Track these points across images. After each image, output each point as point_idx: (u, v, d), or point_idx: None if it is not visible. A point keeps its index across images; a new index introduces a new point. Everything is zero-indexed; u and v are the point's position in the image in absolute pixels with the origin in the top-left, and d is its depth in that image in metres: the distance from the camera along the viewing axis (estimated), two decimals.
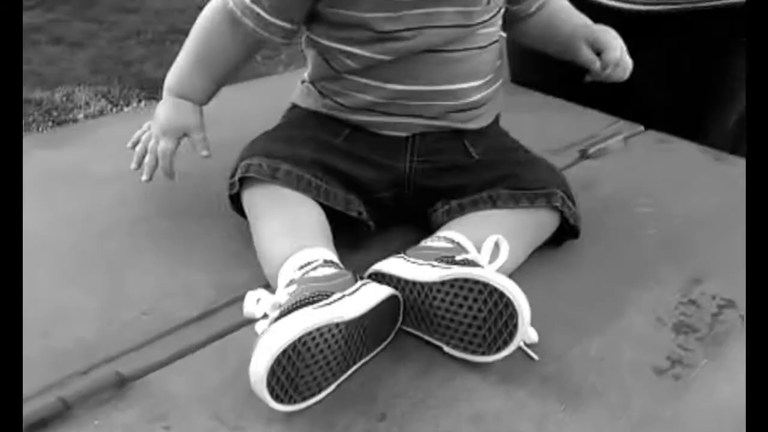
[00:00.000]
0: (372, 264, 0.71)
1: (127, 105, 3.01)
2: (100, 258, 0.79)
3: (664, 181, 0.99)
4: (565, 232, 0.80)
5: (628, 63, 0.87)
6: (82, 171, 0.96)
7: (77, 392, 0.59)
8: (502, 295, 0.60)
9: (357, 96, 0.80)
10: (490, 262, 0.69)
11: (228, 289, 0.74)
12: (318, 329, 0.57)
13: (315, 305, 0.59)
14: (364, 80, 0.79)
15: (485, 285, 0.61)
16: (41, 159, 0.98)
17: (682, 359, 0.66)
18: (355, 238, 0.79)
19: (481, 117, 0.84)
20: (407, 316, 0.67)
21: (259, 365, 0.55)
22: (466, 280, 0.62)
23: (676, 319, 0.72)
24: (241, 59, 0.83)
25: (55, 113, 2.92)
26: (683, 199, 0.94)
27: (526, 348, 0.65)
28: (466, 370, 0.64)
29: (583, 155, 1.05)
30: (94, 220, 0.85)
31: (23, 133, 1.33)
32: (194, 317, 0.71)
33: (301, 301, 0.60)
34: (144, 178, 0.83)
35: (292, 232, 0.71)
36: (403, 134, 0.81)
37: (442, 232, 0.73)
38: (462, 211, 0.77)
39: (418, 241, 0.75)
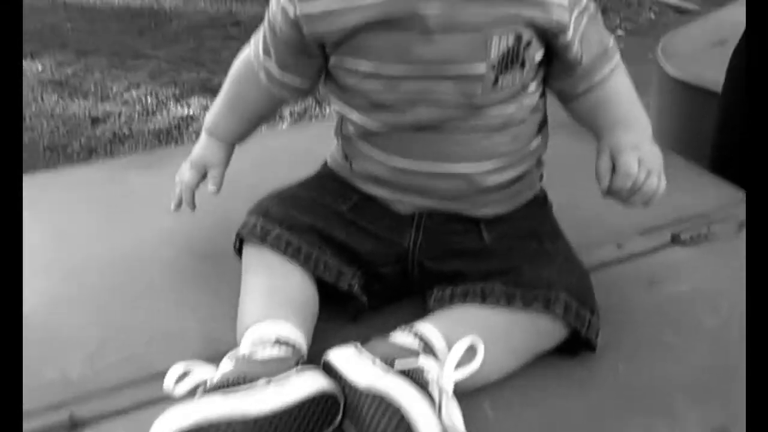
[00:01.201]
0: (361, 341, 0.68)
1: None
2: (102, 290, 0.83)
3: None
4: (581, 342, 0.69)
5: (649, 191, 0.72)
6: (147, 198, 1.02)
7: (29, 430, 0.64)
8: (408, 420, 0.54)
9: (363, 164, 0.76)
10: (459, 366, 0.62)
11: (217, 344, 0.75)
12: (213, 423, 0.55)
13: (228, 392, 0.58)
14: (368, 149, 0.75)
15: (396, 409, 0.55)
16: (121, 181, 1.06)
17: None
18: (357, 310, 0.76)
19: (496, 203, 0.75)
20: (347, 419, 0.62)
21: None
22: (383, 398, 0.57)
23: None
24: (266, 108, 0.83)
25: None
26: None
27: None
28: None
29: (675, 240, 0.89)
30: (114, 251, 0.90)
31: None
32: (164, 371, 0.73)
33: (218, 384, 0.59)
34: (172, 207, 0.87)
35: (265, 300, 0.70)
36: (409, 211, 0.75)
37: (417, 324, 0.68)
38: (450, 301, 0.70)
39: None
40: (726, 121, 1.12)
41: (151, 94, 3.42)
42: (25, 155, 2.89)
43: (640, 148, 0.72)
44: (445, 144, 0.72)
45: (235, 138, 0.86)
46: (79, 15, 4.62)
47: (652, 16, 4.41)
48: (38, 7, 4.70)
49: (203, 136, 0.87)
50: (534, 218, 0.78)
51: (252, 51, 0.80)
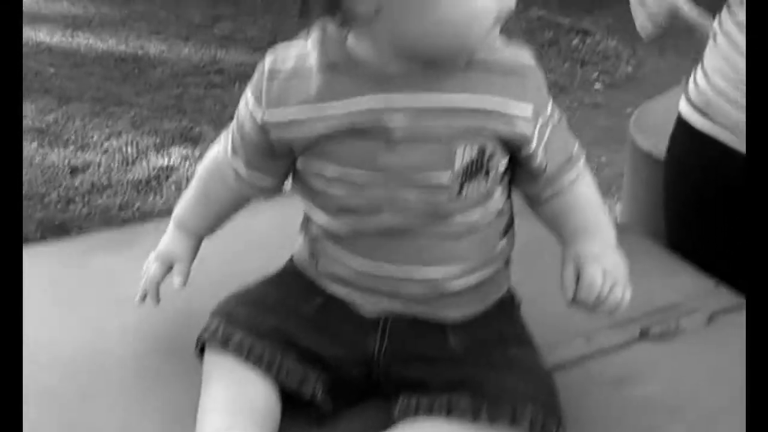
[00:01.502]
0: None
1: None
2: (60, 387, 0.80)
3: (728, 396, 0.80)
4: None
5: (614, 302, 0.72)
6: (108, 283, 0.99)
7: None
8: None
9: (329, 265, 0.76)
10: None
11: None
12: None
13: None
14: (334, 250, 0.75)
15: None
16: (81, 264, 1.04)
17: None
18: (321, 414, 0.75)
19: (463, 307, 0.75)
20: None
21: None
22: None
23: None
24: (234, 204, 0.83)
25: None
26: None
27: None
28: None
29: (644, 335, 0.89)
30: (73, 343, 0.87)
31: None
32: None
33: None
34: (136, 299, 0.85)
35: (227, 408, 0.69)
36: (374, 313, 0.75)
37: None
38: (416, 413, 0.69)
39: (386, 426, 0.69)
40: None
41: (131, 144, 3.41)
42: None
43: (603, 259, 0.73)
44: (411, 249, 0.72)
45: (203, 231, 0.85)
46: (63, 59, 4.63)
47: (630, 69, 4.49)
48: (23, 52, 4.71)
49: (171, 228, 0.86)
50: (501, 321, 0.78)
51: (221, 149, 0.80)
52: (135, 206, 2.92)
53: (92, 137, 3.50)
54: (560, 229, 0.76)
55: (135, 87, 4.16)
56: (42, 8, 5.77)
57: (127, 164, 3.27)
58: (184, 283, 0.84)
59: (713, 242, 1.04)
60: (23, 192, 2.95)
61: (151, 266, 0.85)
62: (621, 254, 0.75)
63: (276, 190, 0.79)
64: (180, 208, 0.86)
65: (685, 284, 0.98)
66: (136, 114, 3.76)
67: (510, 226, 0.79)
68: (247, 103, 0.72)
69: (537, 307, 0.84)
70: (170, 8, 5.65)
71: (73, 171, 3.20)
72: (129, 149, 3.39)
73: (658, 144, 1.40)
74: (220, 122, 3.68)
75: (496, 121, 0.68)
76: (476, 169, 0.69)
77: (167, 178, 3.14)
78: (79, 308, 0.95)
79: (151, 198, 2.99)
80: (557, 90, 4.27)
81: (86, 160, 3.27)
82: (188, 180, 3.35)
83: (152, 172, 3.18)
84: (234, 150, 0.77)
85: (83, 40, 4.96)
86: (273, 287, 0.79)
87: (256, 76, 0.72)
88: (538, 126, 0.70)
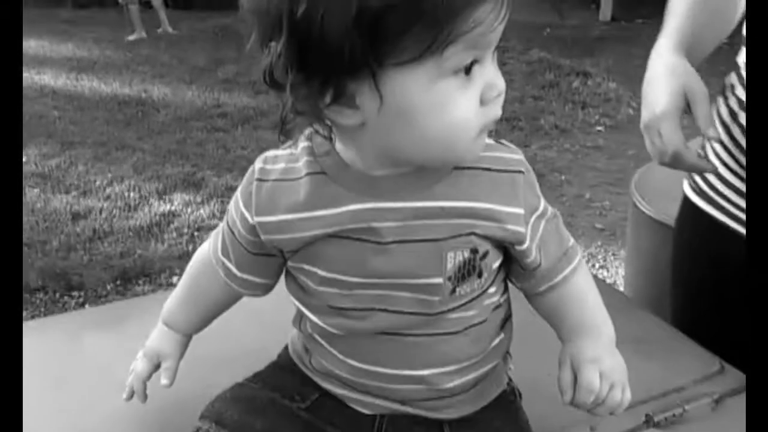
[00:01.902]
0: None
1: None
2: None
3: None
4: None
5: (613, 404, 0.71)
6: (100, 364, 0.98)
7: None
8: None
9: (323, 361, 0.75)
10: None
11: None
12: None
13: None
14: (327, 347, 0.73)
15: None
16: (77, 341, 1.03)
17: None
18: None
19: (460, 405, 0.73)
20: None
21: None
22: None
23: None
24: (225, 301, 0.82)
25: None
26: None
27: None
28: None
29: (649, 422, 0.87)
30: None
31: None
32: None
33: None
34: (124, 396, 0.84)
35: None
36: (370, 412, 0.73)
37: None
38: None
39: None
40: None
41: (134, 189, 3.43)
42: None
43: (601, 360, 0.71)
44: (404, 349, 0.70)
45: (191, 329, 0.84)
46: (67, 103, 4.68)
47: (631, 111, 4.52)
48: (27, 95, 4.75)
49: (159, 326, 0.85)
50: (500, 418, 0.76)
51: (210, 248, 0.79)
52: (136, 254, 2.91)
53: (95, 182, 3.51)
54: (557, 325, 0.75)
55: (138, 131, 4.19)
56: (48, 51, 5.87)
57: (129, 210, 3.27)
58: (171, 383, 0.82)
59: (721, 323, 1.03)
60: (25, 240, 2.95)
61: (138, 363, 0.84)
62: (619, 356, 0.73)
63: (267, 289, 0.78)
64: (169, 305, 0.85)
65: (691, 366, 0.96)
66: (139, 159, 3.78)
67: (508, 318, 0.77)
68: (238, 204, 0.72)
69: (539, 394, 0.82)
70: (174, 52, 5.74)
71: (75, 217, 3.20)
72: (131, 194, 3.40)
73: (660, 208, 1.40)
74: (222, 167, 3.71)
75: (486, 224, 0.67)
76: (468, 270, 0.68)
77: (169, 224, 3.14)
78: (70, 389, 0.94)
79: (152, 245, 2.98)
80: (558, 132, 4.30)
81: (88, 206, 3.28)
82: (189, 226, 3.34)
83: (154, 219, 3.18)
84: (225, 250, 0.76)
85: (87, 83, 5.03)
86: (265, 384, 0.77)
87: (245, 180, 0.71)
88: (530, 224, 0.69)
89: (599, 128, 4.36)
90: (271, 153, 0.71)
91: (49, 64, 5.50)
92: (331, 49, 0.55)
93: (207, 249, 0.80)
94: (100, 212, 3.22)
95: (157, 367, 0.83)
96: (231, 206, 0.73)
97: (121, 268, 2.81)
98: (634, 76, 5.61)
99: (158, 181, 3.52)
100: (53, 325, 1.15)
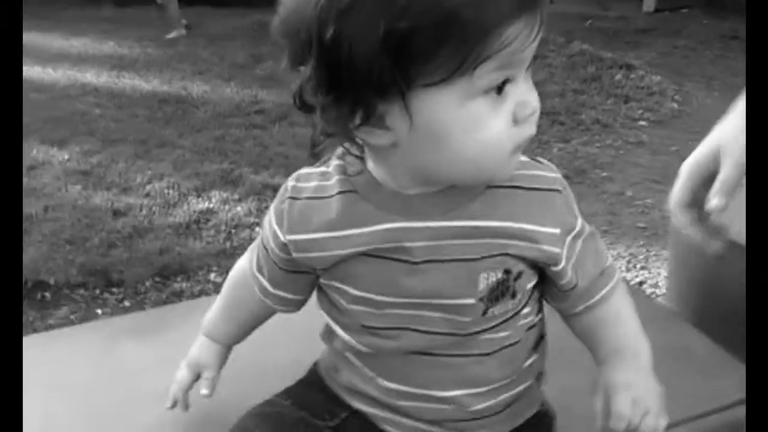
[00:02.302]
0: None
1: None
2: None
3: None
4: None
5: (648, 430, 0.67)
6: (134, 373, 0.98)
7: None
8: None
9: (352, 379, 0.73)
10: None
11: None
12: None
13: None
14: (356, 364, 0.72)
15: None
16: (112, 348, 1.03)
17: None
18: None
19: (491, 426, 0.71)
20: None
21: None
22: None
23: None
24: (262, 315, 0.82)
25: None
26: None
27: None
28: None
29: None
30: None
31: None
32: None
33: None
34: (167, 404, 0.84)
35: None
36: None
37: None
38: None
39: None
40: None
41: (173, 187, 3.46)
42: (43, 248, 2.92)
43: (635, 387, 0.68)
44: (435, 369, 0.69)
45: (231, 341, 0.85)
46: (108, 100, 4.74)
47: (675, 105, 4.41)
48: (69, 94, 4.84)
49: (200, 337, 0.86)
50: None
51: (248, 262, 0.79)
52: (175, 251, 2.94)
53: (135, 180, 3.55)
54: (593, 348, 0.72)
55: (178, 128, 4.23)
56: (90, 49, 5.96)
57: (168, 207, 3.30)
58: (211, 393, 0.83)
59: None
60: (66, 236, 3.01)
61: (180, 373, 0.85)
62: (654, 381, 0.70)
63: (300, 305, 0.78)
64: (209, 316, 0.86)
65: (735, 383, 0.92)
66: (178, 156, 3.81)
67: (542, 338, 0.75)
68: (271, 222, 0.71)
69: (574, 414, 0.80)
70: (213, 49, 5.78)
71: (116, 214, 3.24)
72: (170, 192, 3.43)
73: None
74: (259, 164, 3.72)
75: (520, 244, 0.65)
76: (502, 291, 0.66)
77: (207, 221, 3.17)
78: (102, 397, 0.94)
79: (190, 242, 3.01)
80: (600, 127, 4.21)
81: (128, 204, 3.32)
82: (227, 224, 3.34)
83: (192, 216, 3.21)
84: (259, 268, 0.76)
85: (129, 81, 5.09)
86: (294, 401, 0.77)
87: (278, 197, 0.71)
88: (566, 245, 0.67)
89: (642, 123, 4.25)
90: (304, 171, 0.70)
91: (91, 62, 5.60)
92: (359, 72, 0.54)
93: (245, 262, 0.80)
94: (140, 209, 3.26)
95: (198, 376, 0.84)
96: (265, 223, 0.73)
97: (159, 265, 2.84)
98: (678, 68, 5.48)
99: (197, 178, 3.55)
100: (86, 332, 1.15)
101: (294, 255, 0.69)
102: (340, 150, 0.67)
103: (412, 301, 0.66)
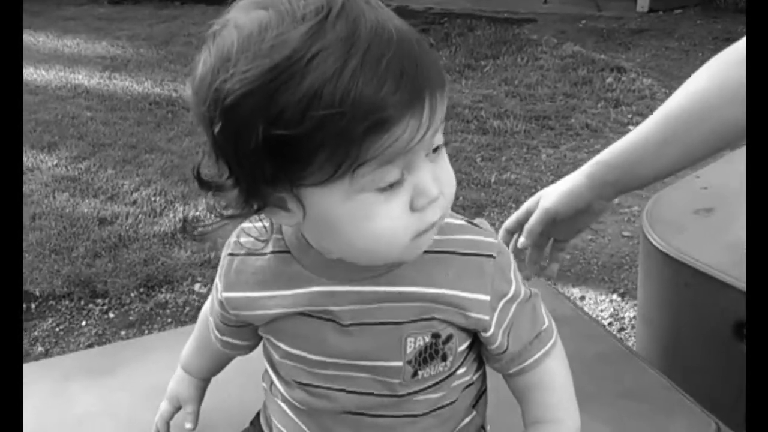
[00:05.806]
0: None
1: None
2: None
3: None
4: None
5: None
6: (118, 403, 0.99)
7: None
8: None
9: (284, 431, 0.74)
10: None
11: None
12: None
13: None
14: (292, 418, 0.73)
15: None
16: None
17: None
18: None
19: None
20: None
21: None
22: None
23: None
24: (227, 354, 0.83)
25: None
26: None
27: None
28: None
29: None
30: None
31: None
32: None
33: None
34: None
35: None
36: None
37: None
38: None
39: None
40: None
41: (160, 194, 3.45)
42: (29, 258, 2.92)
43: None
44: (368, 430, 0.69)
45: (205, 374, 0.87)
46: (99, 103, 4.73)
47: None
48: (60, 96, 4.83)
49: (178, 370, 0.88)
50: None
51: (208, 301, 0.81)
52: (159, 261, 2.94)
53: (122, 186, 3.55)
54: (523, 409, 0.73)
55: (167, 133, 4.22)
56: (83, 49, 5.94)
57: (154, 215, 3.30)
58: (194, 426, 0.86)
59: None
60: (51, 246, 3.01)
61: (161, 405, 0.87)
62: None
63: (250, 349, 0.80)
64: (185, 350, 0.88)
65: (683, 426, 0.93)
66: (167, 162, 3.81)
67: (481, 395, 0.75)
68: (219, 273, 0.72)
69: None
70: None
71: (102, 222, 3.24)
72: (157, 199, 3.43)
73: (671, 241, 1.35)
74: None
75: (448, 309, 0.65)
76: (431, 354, 0.66)
77: (193, 230, 3.16)
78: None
79: (175, 251, 3.01)
80: (589, 132, 4.20)
81: (114, 212, 3.32)
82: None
83: (178, 224, 3.20)
84: (211, 310, 0.78)
85: (120, 83, 5.07)
86: None
87: (224, 251, 0.72)
88: (498, 310, 0.67)
89: (631, 127, 4.24)
90: (247, 225, 0.71)
91: (83, 63, 5.58)
92: (247, 167, 0.54)
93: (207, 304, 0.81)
94: (126, 218, 3.26)
95: (178, 409, 0.86)
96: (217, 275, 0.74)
97: (144, 276, 2.84)
98: (669, 71, 5.45)
99: (184, 184, 3.55)
100: (35, 371, 1.14)
101: (230, 312, 0.70)
102: None
103: (342, 362, 0.67)
